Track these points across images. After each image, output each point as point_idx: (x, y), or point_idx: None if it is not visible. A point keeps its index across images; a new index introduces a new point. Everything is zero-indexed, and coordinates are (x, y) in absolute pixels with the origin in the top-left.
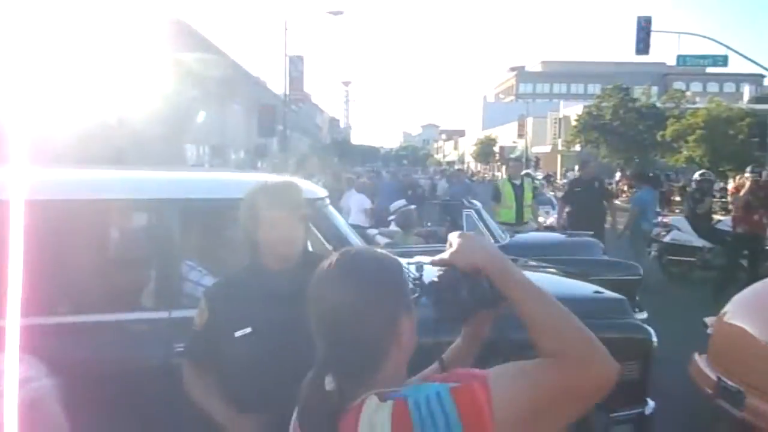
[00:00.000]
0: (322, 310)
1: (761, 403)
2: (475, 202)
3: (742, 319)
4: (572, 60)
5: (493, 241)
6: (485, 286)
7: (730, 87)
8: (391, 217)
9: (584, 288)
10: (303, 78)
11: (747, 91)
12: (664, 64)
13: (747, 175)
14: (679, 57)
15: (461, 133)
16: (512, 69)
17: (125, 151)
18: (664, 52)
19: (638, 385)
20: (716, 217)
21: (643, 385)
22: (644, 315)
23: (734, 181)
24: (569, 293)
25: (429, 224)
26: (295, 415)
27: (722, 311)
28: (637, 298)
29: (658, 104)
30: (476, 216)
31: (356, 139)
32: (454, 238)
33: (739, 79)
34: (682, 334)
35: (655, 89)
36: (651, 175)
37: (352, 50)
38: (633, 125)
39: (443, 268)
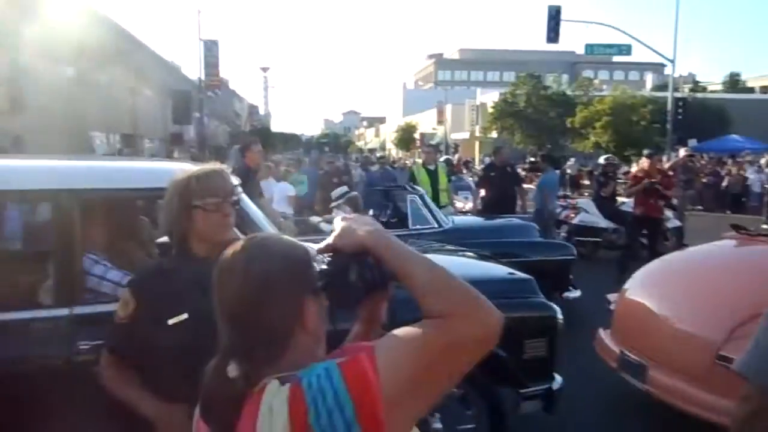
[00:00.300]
0: (226, 295)
1: (662, 375)
2: (417, 188)
3: (642, 295)
4: (488, 48)
5: (436, 225)
6: (373, 265)
7: (634, 75)
8: (334, 204)
9: (494, 269)
10: (219, 63)
11: (650, 79)
12: (573, 52)
13: (644, 159)
14: (587, 46)
15: (382, 120)
16: (431, 56)
17: (22, 139)
18: (573, 41)
19: (546, 361)
20: (621, 199)
21: (551, 362)
22: (578, 293)
23: (637, 165)
24: (480, 275)
25: (371, 211)
26: (197, 409)
27: (623, 288)
28: (571, 276)
29: (568, 92)
30: (420, 201)
31: (276, 126)
32: (337, 222)
33: (642, 67)
34: (589, 311)
35: (565, 77)
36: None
37: (270, 36)
38: (545, 112)
39: (331, 255)
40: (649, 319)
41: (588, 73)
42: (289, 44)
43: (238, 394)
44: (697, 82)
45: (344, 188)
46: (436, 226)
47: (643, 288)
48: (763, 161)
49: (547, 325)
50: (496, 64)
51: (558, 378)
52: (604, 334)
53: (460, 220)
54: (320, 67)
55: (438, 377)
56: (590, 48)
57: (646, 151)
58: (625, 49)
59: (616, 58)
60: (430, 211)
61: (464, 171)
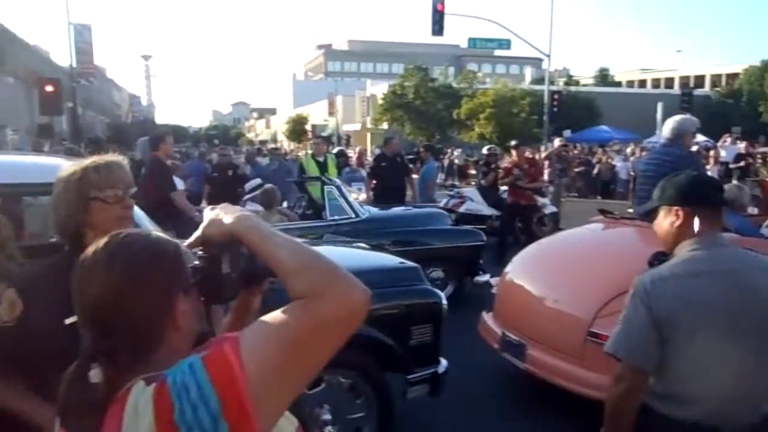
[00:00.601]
0: (87, 296)
1: (540, 353)
2: (335, 179)
3: (520, 278)
4: (377, 40)
5: (354, 215)
6: (247, 254)
7: (515, 69)
8: (248, 196)
9: (382, 259)
10: (93, 50)
11: (529, 72)
12: (458, 46)
13: (512, 151)
14: (470, 39)
15: (273, 111)
16: (320, 47)
17: None
18: (458, 34)
19: (432, 346)
20: (504, 188)
21: (436, 346)
22: (487, 277)
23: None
24: (367, 265)
25: (285, 203)
26: (57, 419)
27: (504, 271)
28: (481, 261)
29: (454, 84)
30: (337, 192)
31: (161, 117)
32: (206, 213)
33: (522, 62)
34: (474, 296)
35: (452, 70)
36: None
37: (152, 23)
38: (433, 104)
39: (202, 249)
40: (527, 301)
41: (472, 66)
42: (173, 32)
43: (100, 399)
44: (571, 76)
45: (258, 180)
46: (353, 216)
47: (521, 271)
48: (628, 150)
49: (432, 312)
50: (385, 56)
51: (443, 362)
52: (486, 316)
53: (375, 210)
54: (207, 57)
55: (306, 361)
56: (473, 42)
57: (513, 143)
58: (506, 44)
59: (498, 52)
60: (347, 201)
61: (363, 164)
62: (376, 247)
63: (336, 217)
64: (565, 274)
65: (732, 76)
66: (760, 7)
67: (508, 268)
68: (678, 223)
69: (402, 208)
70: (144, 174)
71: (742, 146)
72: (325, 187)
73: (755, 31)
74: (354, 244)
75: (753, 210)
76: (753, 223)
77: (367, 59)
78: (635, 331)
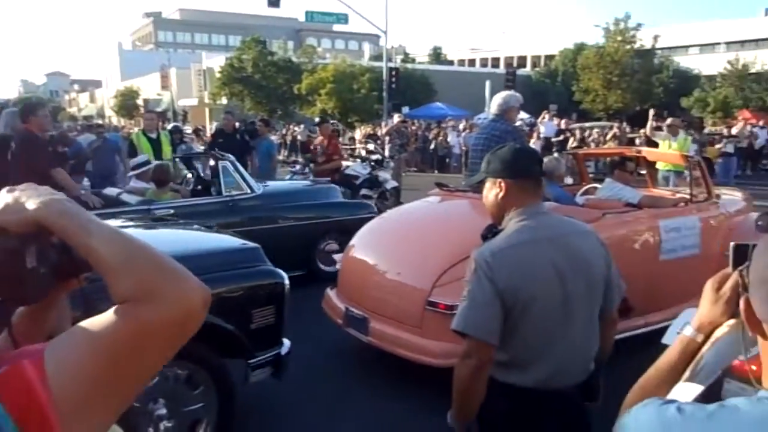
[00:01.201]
0: None
1: (383, 326)
2: (227, 155)
3: (362, 252)
4: (211, 9)
5: (250, 191)
6: (59, 244)
7: (354, 45)
8: (132, 173)
9: (219, 241)
10: None
11: (368, 49)
12: (296, 20)
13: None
14: (307, 13)
15: (97, 84)
16: (148, 15)
17: None
18: (296, 7)
19: (274, 328)
20: (345, 163)
21: (279, 327)
22: None
23: (360, 130)
24: (203, 248)
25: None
26: None
27: (348, 246)
28: None
29: (294, 58)
30: (232, 167)
31: None
32: (2, 196)
33: (360, 38)
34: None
35: (291, 44)
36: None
37: None
38: (273, 78)
39: None
40: (369, 274)
41: (312, 40)
42: None
43: None
44: (407, 54)
45: (144, 156)
46: (249, 191)
47: (363, 245)
48: (461, 126)
49: (275, 292)
50: (221, 27)
51: (286, 342)
52: (331, 293)
53: (270, 185)
54: (13, 20)
55: (132, 372)
56: (310, 15)
57: (316, 119)
58: (343, 18)
59: (337, 28)
60: (242, 176)
61: (194, 140)
62: (208, 228)
63: (233, 193)
64: (405, 247)
65: (549, 58)
66: None
67: (352, 242)
68: (501, 194)
69: (294, 182)
70: (15, 150)
71: (562, 122)
72: (220, 162)
73: (570, 15)
74: (192, 226)
75: (569, 180)
76: (569, 192)
77: (201, 30)
78: (481, 306)
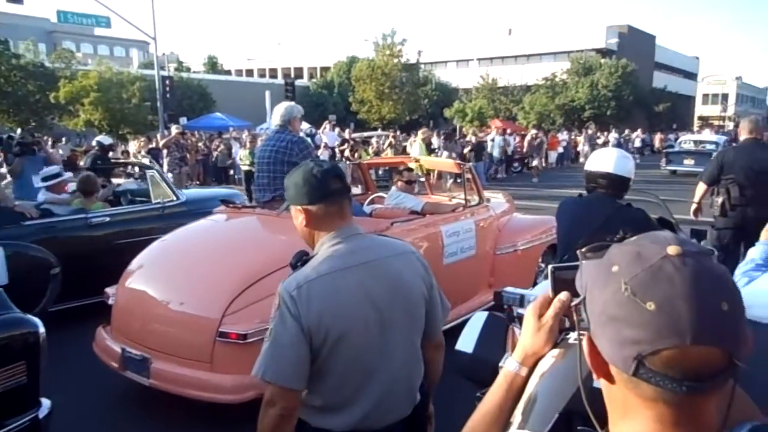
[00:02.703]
0: None
1: (166, 365)
2: (155, 164)
3: (140, 282)
4: None
5: (175, 198)
6: None
7: (120, 51)
8: (42, 185)
9: None
10: None
11: (136, 56)
12: (48, 20)
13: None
14: (59, 13)
15: None
16: None
17: None
18: (46, 7)
19: (28, 387)
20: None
21: (35, 385)
22: None
23: (137, 143)
24: None
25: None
26: None
27: (121, 276)
28: None
29: (48, 63)
30: (159, 176)
31: None
32: None
33: (128, 44)
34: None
35: (43, 46)
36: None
37: None
38: (22, 84)
39: None
40: (149, 307)
41: (69, 44)
42: None
43: None
44: (181, 62)
45: (55, 168)
46: (176, 199)
47: (140, 274)
48: (244, 136)
49: (24, 344)
50: None
51: (46, 402)
52: (104, 331)
53: (188, 193)
54: None
55: None
56: (64, 16)
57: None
58: (104, 22)
59: (99, 32)
60: (168, 184)
61: None
62: None
63: (163, 200)
64: (189, 273)
65: (325, 69)
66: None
67: (126, 272)
68: (305, 222)
69: (211, 189)
70: None
71: (345, 132)
72: (148, 171)
73: (343, 29)
74: None
75: (356, 190)
76: (357, 202)
77: None
78: (284, 348)
